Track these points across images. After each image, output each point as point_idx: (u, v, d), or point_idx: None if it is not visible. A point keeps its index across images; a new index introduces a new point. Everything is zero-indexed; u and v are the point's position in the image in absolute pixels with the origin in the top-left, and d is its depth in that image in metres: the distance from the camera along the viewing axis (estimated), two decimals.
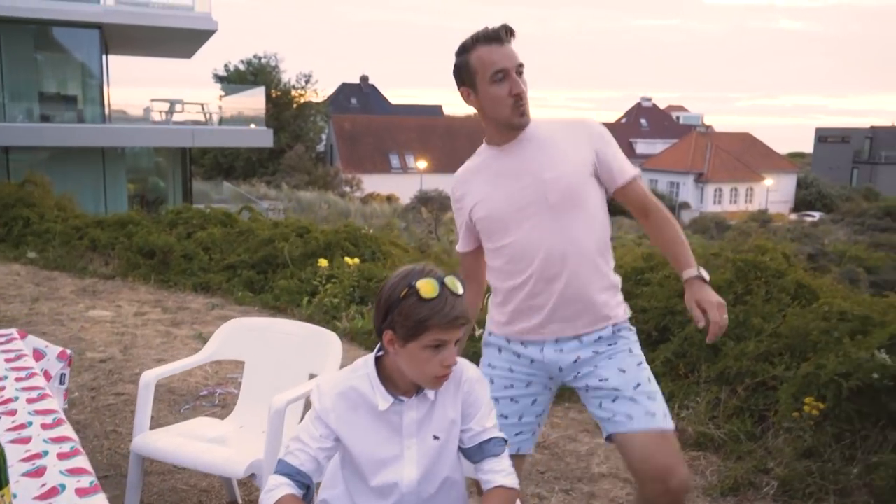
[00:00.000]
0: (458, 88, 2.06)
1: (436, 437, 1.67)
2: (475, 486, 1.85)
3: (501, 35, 1.97)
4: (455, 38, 1.99)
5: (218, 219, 8.70)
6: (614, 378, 2.03)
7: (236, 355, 2.93)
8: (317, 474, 1.67)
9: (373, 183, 41.35)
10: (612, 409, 2.02)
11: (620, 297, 2.15)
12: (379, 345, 1.66)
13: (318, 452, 1.65)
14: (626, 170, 2.08)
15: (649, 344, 4.44)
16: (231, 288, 7.11)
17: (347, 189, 39.59)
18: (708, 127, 64.22)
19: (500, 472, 1.68)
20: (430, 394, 1.66)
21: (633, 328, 2.17)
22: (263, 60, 45.68)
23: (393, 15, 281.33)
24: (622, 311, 2.14)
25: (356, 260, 6.72)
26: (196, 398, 4.25)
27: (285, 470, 1.63)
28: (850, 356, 3.34)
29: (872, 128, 53.30)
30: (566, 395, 4.31)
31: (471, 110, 2.10)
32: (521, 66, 1.98)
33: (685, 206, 47.24)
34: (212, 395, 4.29)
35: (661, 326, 4.45)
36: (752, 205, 47.65)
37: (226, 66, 45.81)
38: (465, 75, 2.02)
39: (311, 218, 26.22)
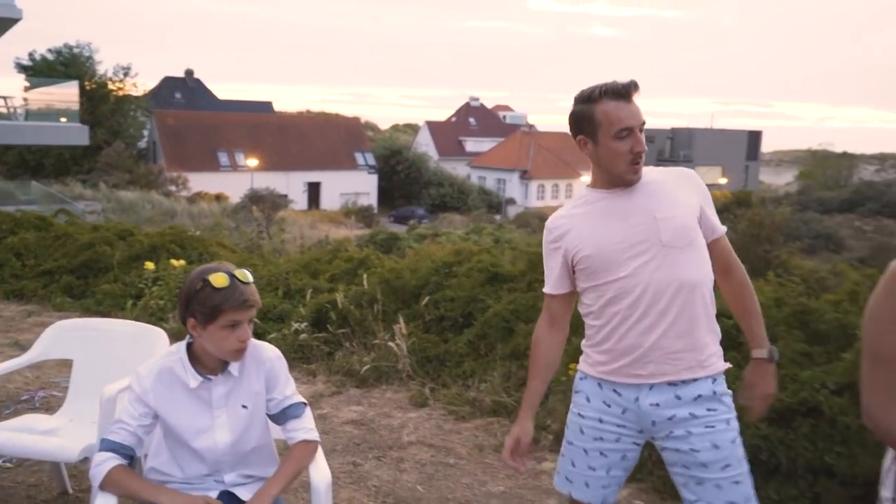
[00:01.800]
0: (574, 136, 2.04)
1: (244, 406, 2.04)
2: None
3: (630, 91, 1.97)
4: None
5: (31, 223, 8.36)
6: (706, 452, 2.01)
7: (63, 355, 3.11)
8: (138, 447, 2.00)
9: (200, 182, 39.84)
10: (696, 492, 2.04)
11: (719, 347, 2.10)
12: (189, 335, 2.00)
13: (139, 429, 1.98)
14: (718, 226, 2.11)
15: (455, 329, 5.04)
16: (49, 294, 6.94)
17: (173, 188, 37.89)
18: (531, 126, 67.84)
19: (301, 430, 2.10)
20: (234, 371, 2.02)
21: (729, 392, 2.09)
22: (76, 50, 42.55)
23: (218, 5, 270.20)
24: (720, 361, 2.08)
25: (182, 262, 6.82)
26: (17, 402, 4.27)
27: (109, 446, 1.96)
28: None
29: (672, 129, 59.14)
30: (384, 377, 4.80)
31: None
32: (643, 124, 1.99)
33: (511, 201, 49.81)
34: (32, 399, 4.33)
35: (465, 313, 5.04)
36: (571, 199, 51.04)
37: (30, 54, 42.18)
38: (585, 126, 2.00)
39: (134, 219, 25.01)
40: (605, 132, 1.96)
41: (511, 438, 2.19)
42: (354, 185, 47.37)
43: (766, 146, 71.85)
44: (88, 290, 7.01)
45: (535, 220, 33.70)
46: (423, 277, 5.45)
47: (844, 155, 63.48)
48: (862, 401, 1.59)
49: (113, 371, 2.96)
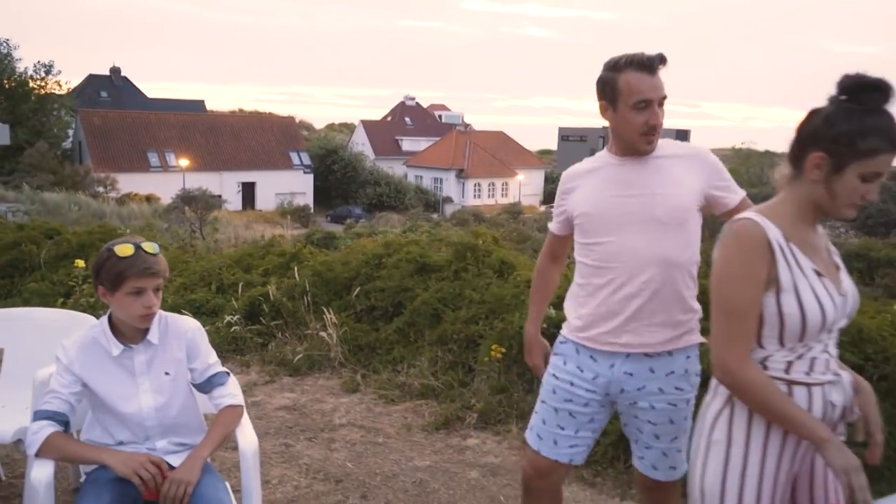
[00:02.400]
0: (598, 100, 2.13)
1: (167, 373, 2.18)
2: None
3: (655, 64, 2.03)
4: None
5: None
6: (662, 426, 2.19)
7: None
8: (72, 414, 2.12)
9: (130, 182, 38.80)
10: (643, 453, 2.26)
11: (697, 322, 2.21)
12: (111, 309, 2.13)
13: (70, 396, 2.11)
14: (729, 197, 2.16)
15: (386, 317, 5.21)
16: None
17: (101, 189, 36.78)
18: (467, 125, 68.36)
19: (226, 396, 2.25)
20: (154, 339, 2.17)
21: (699, 369, 2.22)
22: None
23: (144, 1, 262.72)
24: (694, 335, 2.20)
25: None
26: None
27: (44, 415, 2.07)
28: None
29: (605, 128, 60.27)
30: (316, 366, 4.94)
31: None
32: (664, 98, 2.05)
33: (448, 200, 50.15)
34: None
35: (395, 302, 5.22)
36: (507, 198, 51.74)
37: None
38: (608, 92, 2.08)
39: (60, 221, 24.24)
40: (624, 101, 2.04)
41: (527, 344, 2.56)
42: (290, 185, 46.88)
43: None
44: (14, 289, 6.91)
45: (472, 219, 34.08)
46: (354, 269, 5.61)
47: (766, 153, 66.09)
48: (714, 354, 1.71)
49: (45, 359, 3.01)
